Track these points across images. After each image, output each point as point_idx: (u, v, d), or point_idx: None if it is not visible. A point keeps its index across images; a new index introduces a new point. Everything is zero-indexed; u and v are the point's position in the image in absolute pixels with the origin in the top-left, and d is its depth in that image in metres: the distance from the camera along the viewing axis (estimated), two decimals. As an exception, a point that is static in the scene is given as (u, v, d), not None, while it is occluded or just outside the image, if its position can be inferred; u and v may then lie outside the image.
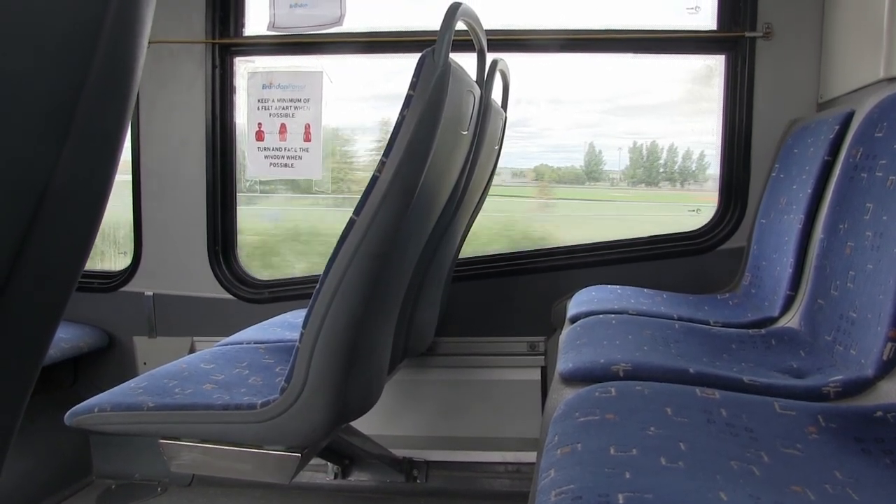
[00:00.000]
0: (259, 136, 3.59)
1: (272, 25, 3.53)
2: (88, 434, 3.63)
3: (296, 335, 1.99)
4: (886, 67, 2.46)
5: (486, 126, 2.58)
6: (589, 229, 3.73)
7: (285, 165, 3.59)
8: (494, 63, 2.67)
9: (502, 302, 3.53)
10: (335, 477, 3.51)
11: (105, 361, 3.71)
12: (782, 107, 3.27)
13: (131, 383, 2.31)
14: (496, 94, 2.82)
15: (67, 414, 2.19)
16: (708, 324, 2.54)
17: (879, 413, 1.48)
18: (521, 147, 3.80)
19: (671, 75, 3.57)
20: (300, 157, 3.58)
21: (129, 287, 3.69)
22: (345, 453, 3.42)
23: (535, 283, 3.50)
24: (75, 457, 3.62)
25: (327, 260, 1.90)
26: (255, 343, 2.78)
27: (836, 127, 2.50)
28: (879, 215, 1.89)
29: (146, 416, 2.12)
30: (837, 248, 2.11)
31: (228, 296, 3.63)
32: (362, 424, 3.06)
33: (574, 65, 3.61)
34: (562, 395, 1.77)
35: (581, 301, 2.83)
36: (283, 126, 3.57)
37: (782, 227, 2.75)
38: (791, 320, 2.43)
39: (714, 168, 3.54)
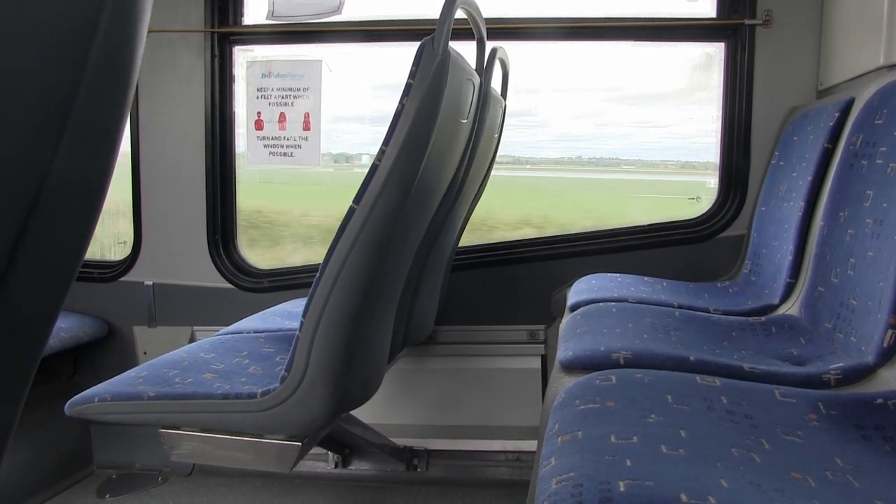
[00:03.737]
0: (258, 125, 3.59)
1: (271, 14, 3.52)
2: (89, 424, 3.63)
3: (296, 324, 1.99)
4: (886, 55, 2.45)
5: (485, 114, 2.58)
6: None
7: (285, 154, 3.59)
8: (494, 51, 2.66)
9: (502, 290, 3.53)
10: (335, 466, 3.52)
11: (105, 351, 3.71)
12: (782, 94, 3.26)
13: (131, 373, 2.31)
14: (496, 83, 2.81)
15: (67, 404, 2.19)
16: (708, 311, 2.54)
17: (880, 400, 1.48)
18: (528, 136, 3.81)
19: (674, 63, 3.57)
20: (299, 147, 3.57)
21: (129, 276, 3.69)
22: (345, 442, 3.43)
23: (535, 272, 3.50)
24: (76, 447, 3.63)
25: (327, 249, 1.90)
26: (255, 332, 2.78)
27: (836, 114, 2.49)
28: (879, 202, 1.89)
29: (146, 406, 2.12)
30: (837, 235, 2.11)
31: (228, 285, 3.64)
32: (363, 413, 3.07)
33: (575, 53, 3.60)
34: (562, 384, 1.77)
35: (581, 289, 2.83)
36: (282, 115, 3.57)
37: (782, 214, 2.75)
38: (791, 308, 2.43)
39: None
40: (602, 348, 1.92)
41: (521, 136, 3.79)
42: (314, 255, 3.90)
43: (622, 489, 1.07)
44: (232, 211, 3.69)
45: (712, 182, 3.48)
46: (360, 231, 1.85)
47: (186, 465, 3.58)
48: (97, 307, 3.70)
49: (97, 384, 2.22)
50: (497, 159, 3.22)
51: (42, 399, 3.31)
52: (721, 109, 3.41)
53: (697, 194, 3.53)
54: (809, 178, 2.53)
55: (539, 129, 3.82)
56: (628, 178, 3.91)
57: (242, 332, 2.79)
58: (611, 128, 3.79)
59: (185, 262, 3.63)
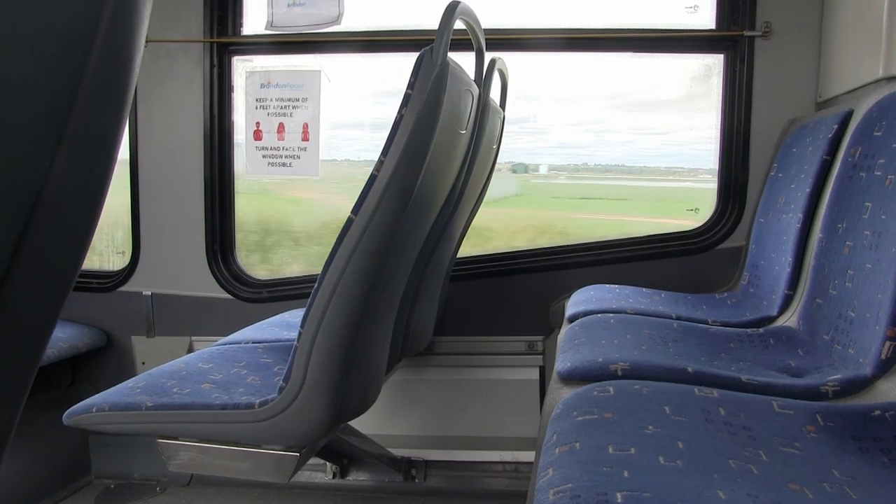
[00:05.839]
0: (257, 135, 3.59)
1: (270, 24, 3.53)
2: (87, 434, 3.63)
3: (294, 334, 1.99)
4: (885, 66, 2.46)
5: (484, 125, 2.58)
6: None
7: (283, 165, 3.59)
8: (493, 62, 2.66)
9: (501, 301, 3.53)
10: (333, 476, 3.52)
11: (103, 361, 3.71)
12: (781, 106, 3.27)
13: (129, 383, 2.30)
14: (495, 93, 2.81)
15: (66, 414, 2.19)
16: (706, 323, 2.54)
17: (877, 412, 1.48)
18: (527, 143, 3.82)
19: (672, 74, 3.57)
20: (298, 157, 3.58)
21: (128, 287, 3.68)
22: (343, 453, 3.42)
23: (533, 283, 3.50)
24: (74, 457, 3.62)
25: (325, 259, 1.90)
26: (253, 342, 2.78)
27: (835, 126, 2.50)
28: (878, 214, 1.89)
29: (144, 416, 2.12)
30: (836, 247, 2.11)
31: (227, 295, 3.63)
32: (361, 424, 3.07)
33: (574, 64, 3.61)
34: (560, 395, 1.77)
35: (579, 300, 2.83)
36: (281, 125, 3.57)
37: (781, 226, 2.75)
38: (789, 319, 2.43)
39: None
40: (600, 359, 1.92)
41: (523, 142, 3.79)
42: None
43: (620, 500, 1.07)
44: (231, 221, 3.69)
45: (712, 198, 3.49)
46: (359, 241, 1.85)
47: (184, 475, 3.57)
48: (96, 317, 3.70)
49: (95, 394, 2.22)
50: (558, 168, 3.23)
51: (40, 408, 3.31)
52: (720, 121, 3.41)
53: (696, 206, 3.54)
54: (808, 190, 2.54)
55: (539, 137, 3.83)
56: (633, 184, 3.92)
57: (241, 343, 2.78)
58: (610, 135, 3.79)
59: (184, 272, 3.63)
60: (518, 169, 3.89)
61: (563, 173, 3.86)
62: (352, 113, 3.81)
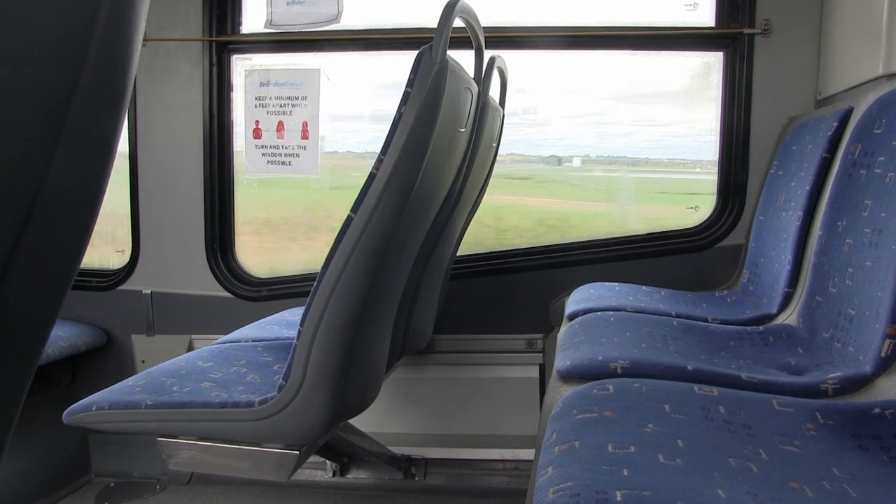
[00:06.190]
0: (256, 133, 3.58)
1: (269, 23, 3.52)
2: (87, 432, 3.63)
3: (294, 333, 1.98)
4: (885, 64, 2.45)
5: (483, 123, 2.58)
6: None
7: (283, 163, 3.59)
8: (492, 60, 2.66)
9: (501, 299, 3.52)
10: (333, 474, 3.51)
11: (103, 360, 3.71)
12: (781, 104, 3.26)
13: (129, 381, 2.30)
14: (494, 91, 2.81)
15: (66, 412, 2.18)
16: (706, 321, 2.54)
17: (877, 410, 1.48)
18: (528, 135, 3.82)
19: (673, 70, 3.57)
20: (298, 155, 3.57)
21: (127, 285, 3.68)
22: (343, 451, 3.42)
23: (533, 281, 3.50)
24: (74, 455, 3.62)
25: (325, 257, 1.90)
26: (252, 341, 2.78)
27: (835, 124, 2.50)
28: (878, 212, 1.89)
29: (144, 415, 2.12)
30: (836, 245, 2.11)
31: (226, 294, 3.63)
32: (361, 422, 3.06)
33: (573, 60, 3.60)
34: (560, 393, 1.77)
35: (579, 298, 2.83)
36: (280, 124, 3.57)
37: (781, 224, 2.75)
38: (789, 317, 2.43)
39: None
40: (600, 357, 1.92)
41: (523, 134, 3.79)
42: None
43: (619, 499, 1.07)
44: (230, 219, 3.69)
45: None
46: (358, 239, 1.85)
47: (184, 474, 3.57)
48: (96, 316, 3.70)
49: (95, 392, 2.22)
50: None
51: (40, 407, 3.31)
52: (720, 118, 3.41)
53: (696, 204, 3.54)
54: (808, 188, 2.53)
55: (539, 129, 3.82)
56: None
57: (240, 341, 2.78)
58: (610, 129, 3.79)
59: (184, 270, 3.63)
60: (551, 161, 3.88)
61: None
62: (352, 105, 3.81)
